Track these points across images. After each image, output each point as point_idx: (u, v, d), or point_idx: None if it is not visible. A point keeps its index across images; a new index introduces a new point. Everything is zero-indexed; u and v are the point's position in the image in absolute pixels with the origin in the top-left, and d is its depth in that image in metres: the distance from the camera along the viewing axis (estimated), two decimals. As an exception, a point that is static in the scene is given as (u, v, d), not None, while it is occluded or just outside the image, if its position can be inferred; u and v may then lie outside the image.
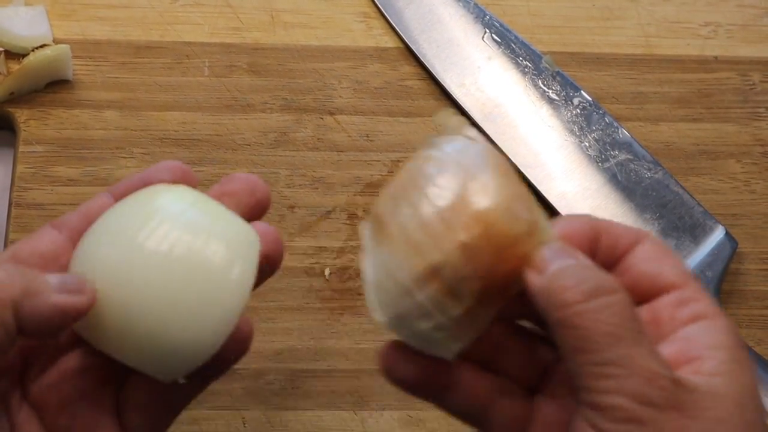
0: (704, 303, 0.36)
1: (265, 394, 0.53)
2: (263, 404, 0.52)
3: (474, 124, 0.60)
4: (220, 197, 0.40)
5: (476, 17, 0.62)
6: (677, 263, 0.37)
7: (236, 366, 0.53)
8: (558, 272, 0.35)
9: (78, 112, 0.58)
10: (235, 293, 0.37)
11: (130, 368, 0.38)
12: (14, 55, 0.59)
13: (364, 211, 0.57)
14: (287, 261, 0.53)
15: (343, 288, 0.56)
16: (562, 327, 0.34)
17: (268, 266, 0.40)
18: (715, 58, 0.63)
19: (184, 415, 0.52)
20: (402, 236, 0.35)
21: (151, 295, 0.36)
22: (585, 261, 0.35)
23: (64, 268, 0.39)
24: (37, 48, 0.58)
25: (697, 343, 0.35)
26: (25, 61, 0.57)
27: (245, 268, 0.38)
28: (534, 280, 0.35)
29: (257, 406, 0.52)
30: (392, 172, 0.58)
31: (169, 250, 0.37)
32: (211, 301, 0.37)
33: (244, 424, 0.52)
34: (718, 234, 0.57)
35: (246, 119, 0.59)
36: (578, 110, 0.60)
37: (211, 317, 0.37)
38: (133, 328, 0.36)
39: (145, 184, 0.40)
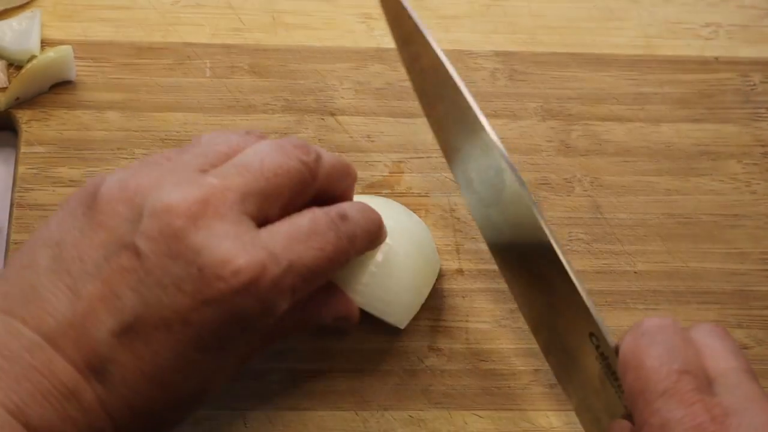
0: None
1: (266, 394, 0.53)
2: (265, 404, 0.52)
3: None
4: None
5: (477, 18, 0.62)
6: None
7: (238, 366, 0.53)
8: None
9: (80, 113, 0.58)
10: None
11: None
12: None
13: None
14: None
15: (345, 288, 0.56)
16: None
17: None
18: (716, 58, 0.63)
19: (186, 415, 0.52)
20: None
21: None
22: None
23: None
24: (29, 59, 0.58)
25: None
26: (28, 65, 0.57)
27: None
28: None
29: (259, 406, 0.52)
30: (393, 172, 0.58)
31: None
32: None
33: (245, 424, 0.52)
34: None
35: (247, 120, 0.59)
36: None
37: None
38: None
39: None
